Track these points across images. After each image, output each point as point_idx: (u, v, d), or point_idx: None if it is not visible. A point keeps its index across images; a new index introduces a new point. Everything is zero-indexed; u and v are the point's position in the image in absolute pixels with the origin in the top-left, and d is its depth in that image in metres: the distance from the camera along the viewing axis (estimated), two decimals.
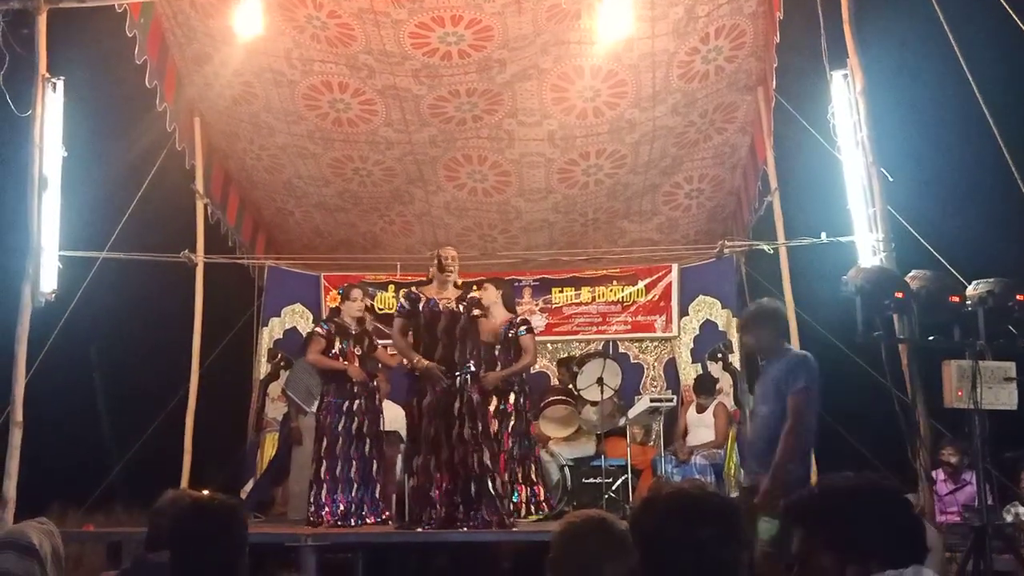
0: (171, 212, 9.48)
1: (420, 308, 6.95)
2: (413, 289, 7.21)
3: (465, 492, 6.68)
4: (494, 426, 7.25)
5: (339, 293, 8.24)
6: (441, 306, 6.94)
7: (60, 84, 7.18)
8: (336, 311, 8.06)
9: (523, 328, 8.04)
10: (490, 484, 6.75)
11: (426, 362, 6.80)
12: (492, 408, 7.49)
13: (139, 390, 10.28)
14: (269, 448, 9.83)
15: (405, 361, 7.04)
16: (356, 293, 7.90)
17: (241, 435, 10.40)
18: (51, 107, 7.15)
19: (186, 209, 9.31)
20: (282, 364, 10.26)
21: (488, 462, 6.76)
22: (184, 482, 8.37)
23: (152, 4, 7.92)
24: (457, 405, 6.78)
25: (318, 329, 7.83)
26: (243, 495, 9.68)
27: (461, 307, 6.93)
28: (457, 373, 6.81)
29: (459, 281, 7.14)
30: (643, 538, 2.28)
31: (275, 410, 9.98)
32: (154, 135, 8.77)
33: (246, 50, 8.11)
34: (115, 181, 9.13)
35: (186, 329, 9.00)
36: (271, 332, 10.81)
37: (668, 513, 2.24)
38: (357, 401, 7.56)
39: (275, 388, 10.08)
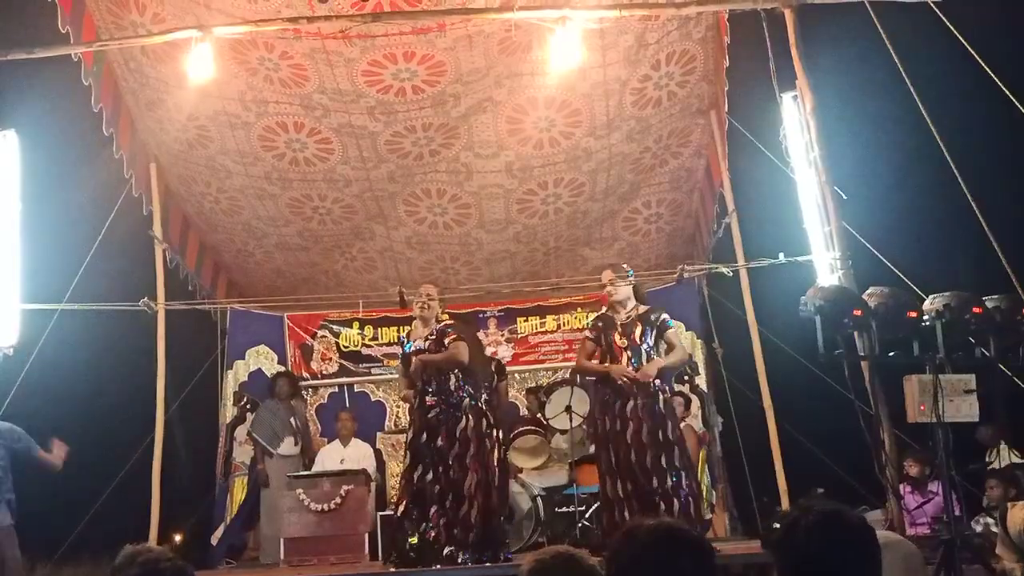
0: (130, 259, 9.38)
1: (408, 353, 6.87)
2: (404, 334, 7.19)
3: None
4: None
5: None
6: (414, 347, 6.82)
7: (12, 136, 7.12)
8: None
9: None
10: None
11: (405, 392, 6.90)
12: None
13: (105, 440, 10.13)
14: (238, 492, 9.74)
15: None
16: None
17: (210, 480, 10.29)
18: (3, 159, 7.08)
19: (145, 255, 9.20)
20: (248, 407, 10.19)
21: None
22: (153, 530, 8.23)
23: (103, 52, 7.89)
24: (440, 438, 6.54)
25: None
26: (214, 541, 9.59)
27: (427, 343, 6.76)
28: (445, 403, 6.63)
29: (442, 317, 6.88)
30: (620, 572, 2.30)
31: (243, 454, 9.89)
32: (110, 182, 8.71)
33: (200, 94, 8.07)
34: (72, 230, 9.03)
35: (150, 376, 8.88)
36: (236, 375, 10.68)
37: (646, 547, 2.27)
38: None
39: (242, 431, 10.00)
